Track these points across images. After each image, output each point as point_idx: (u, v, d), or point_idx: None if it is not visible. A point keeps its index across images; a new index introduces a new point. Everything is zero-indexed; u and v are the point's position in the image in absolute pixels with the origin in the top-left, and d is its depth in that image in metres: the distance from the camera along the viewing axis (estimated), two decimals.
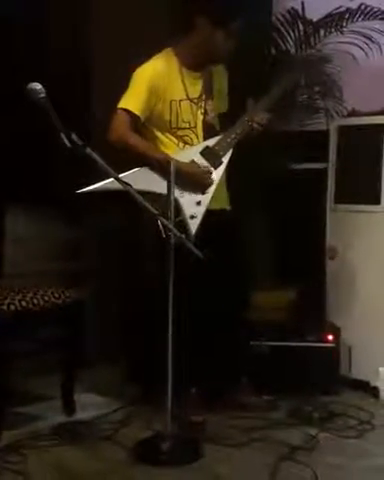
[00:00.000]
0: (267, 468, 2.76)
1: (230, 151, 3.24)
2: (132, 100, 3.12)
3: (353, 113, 3.78)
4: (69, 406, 3.29)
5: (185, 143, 3.23)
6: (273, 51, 4.12)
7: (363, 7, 3.85)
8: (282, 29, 4.08)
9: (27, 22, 3.86)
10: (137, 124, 3.16)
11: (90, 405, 3.37)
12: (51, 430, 3.09)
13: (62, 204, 3.77)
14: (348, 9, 3.89)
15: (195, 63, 3.23)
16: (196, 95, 3.25)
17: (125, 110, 3.12)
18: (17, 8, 3.82)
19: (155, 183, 3.04)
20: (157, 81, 3.14)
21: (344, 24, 3.92)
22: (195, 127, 3.24)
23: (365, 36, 3.86)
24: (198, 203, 3.17)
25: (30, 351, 3.44)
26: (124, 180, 2.77)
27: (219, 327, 3.30)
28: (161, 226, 2.82)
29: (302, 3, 4.05)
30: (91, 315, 3.90)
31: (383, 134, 3.54)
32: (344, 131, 3.75)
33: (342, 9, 3.91)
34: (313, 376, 3.51)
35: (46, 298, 3.17)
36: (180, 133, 3.22)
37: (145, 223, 3.02)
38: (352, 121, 3.73)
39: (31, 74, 2.78)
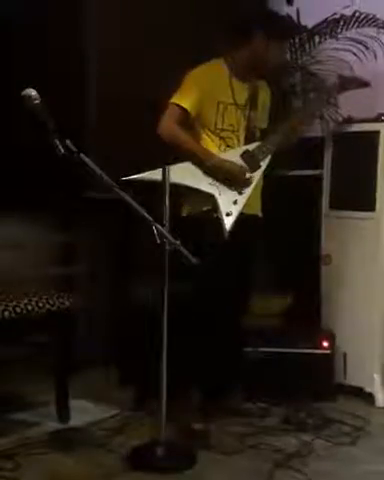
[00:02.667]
0: (262, 475, 2.76)
1: (269, 157, 3.37)
2: (184, 97, 3.24)
3: (348, 120, 3.78)
4: (63, 413, 3.27)
5: (227, 145, 3.33)
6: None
7: (357, 14, 3.87)
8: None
9: (27, 23, 3.86)
10: (186, 121, 3.26)
11: (84, 411, 3.36)
12: (45, 437, 3.08)
13: (58, 210, 3.76)
14: (342, 16, 3.91)
15: (243, 74, 3.36)
16: (242, 102, 3.36)
17: (177, 105, 3.23)
18: (17, 9, 3.81)
19: (198, 179, 3.21)
20: (208, 82, 3.26)
21: (339, 31, 3.94)
22: (238, 131, 3.35)
23: (359, 43, 3.87)
24: (235, 202, 3.27)
25: (24, 357, 3.43)
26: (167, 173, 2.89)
27: (218, 333, 3.30)
28: (155, 232, 2.82)
29: (297, 10, 4.06)
30: (86, 320, 3.90)
31: (378, 141, 3.54)
32: (339, 138, 3.75)
33: (337, 16, 3.92)
34: (308, 382, 3.51)
35: (40, 304, 3.17)
36: (223, 135, 3.32)
37: (141, 229, 3.02)
38: (347, 127, 3.73)
39: (31, 77, 2.78)
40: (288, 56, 4.09)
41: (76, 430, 3.16)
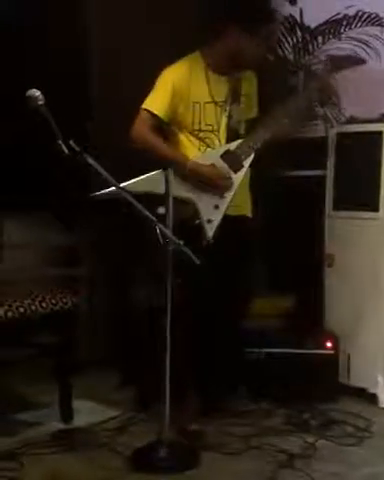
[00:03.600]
0: (265, 476, 2.75)
1: (251, 156, 3.23)
2: (156, 101, 3.16)
3: (351, 120, 3.77)
4: (66, 413, 3.27)
5: (207, 146, 3.24)
6: (271, 57, 4.13)
7: (360, 14, 3.86)
8: (280, 36, 4.08)
9: (27, 24, 3.86)
10: (160, 125, 3.18)
11: (87, 412, 3.36)
12: (48, 437, 3.07)
13: (60, 210, 3.76)
14: (346, 16, 3.89)
15: (222, 67, 3.24)
16: (221, 98, 3.25)
17: (148, 110, 3.15)
18: (18, 10, 3.81)
19: (173, 186, 3.01)
20: (181, 83, 3.17)
21: (342, 30, 3.92)
22: (218, 130, 3.25)
23: (363, 42, 3.86)
24: (216, 207, 3.17)
25: (27, 357, 3.43)
26: (141, 182, 2.79)
27: (218, 334, 3.29)
28: (159, 232, 2.81)
29: (300, 10, 4.06)
30: (88, 321, 3.90)
31: (381, 141, 3.54)
32: (342, 138, 3.75)
33: (340, 16, 3.91)
34: (311, 383, 3.50)
35: (44, 305, 3.17)
36: (202, 135, 3.23)
37: (143, 229, 3.02)
38: (350, 128, 3.72)
39: (31, 78, 2.78)
40: (291, 56, 4.09)
41: (79, 430, 3.15)
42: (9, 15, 3.80)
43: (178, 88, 3.16)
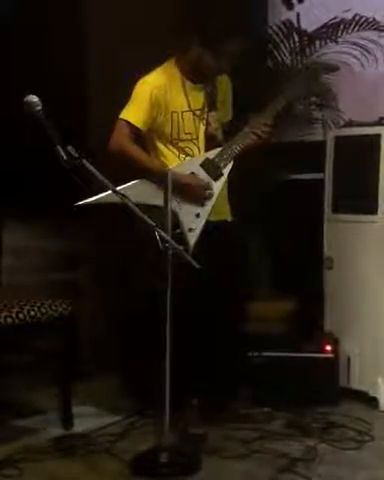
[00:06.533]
0: None
1: (231, 163, 3.23)
2: (133, 111, 3.14)
3: (350, 123, 3.78)
4: (67, 419, 3.27)
5: (186, 155, 3.23)
6: (269, 62, 4.14)
7: (357, 18, 3.87)
8: (278, 41, 4.09)
9: (27, 29, 3.86)
10: (138, 135, 3.17)
11: (88, 418, 3.35)
12: (48, 443, 3.07)
13: (60, 216, 3.76)
14: (343, 20, 3.90)
15: (194, 76, 3.24)
16: (199, 106, 3.25)
17: (126, 121, 3.14)
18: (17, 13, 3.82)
19: (153, 195, 3.04)
20: (158, 93, 3.15)
21: (339, 34, 3.93)
22: (197, 139, 3.24)
23: (360, 46, 3.87)
24: (197, 215, 3.17)
25: (27, 363, 3.43)
26: (122, 192, 2.78)
27: (218, 338, 3.29)
28: (159, 238, 2.81)
29: (297, 14, 4.07)
30: (88, 326, 3.90)
31: (379, 144, 3.54)
32: (341, 141, 3.75)
33: (337, 20, 3.92)
34: (312, 387, 3.50)
35: (43, 310, 3.17)
36: (181, 145, 3.23)
37: (143, 235, 3.02)
38: (349, 131, 3.73)
39: (29, 84, 2.78)
40: (289, 60, 4.10)
41: (79, 436, 3.14)
42: (8, 14, 3.80)
43: (156, 98, 3.15)
